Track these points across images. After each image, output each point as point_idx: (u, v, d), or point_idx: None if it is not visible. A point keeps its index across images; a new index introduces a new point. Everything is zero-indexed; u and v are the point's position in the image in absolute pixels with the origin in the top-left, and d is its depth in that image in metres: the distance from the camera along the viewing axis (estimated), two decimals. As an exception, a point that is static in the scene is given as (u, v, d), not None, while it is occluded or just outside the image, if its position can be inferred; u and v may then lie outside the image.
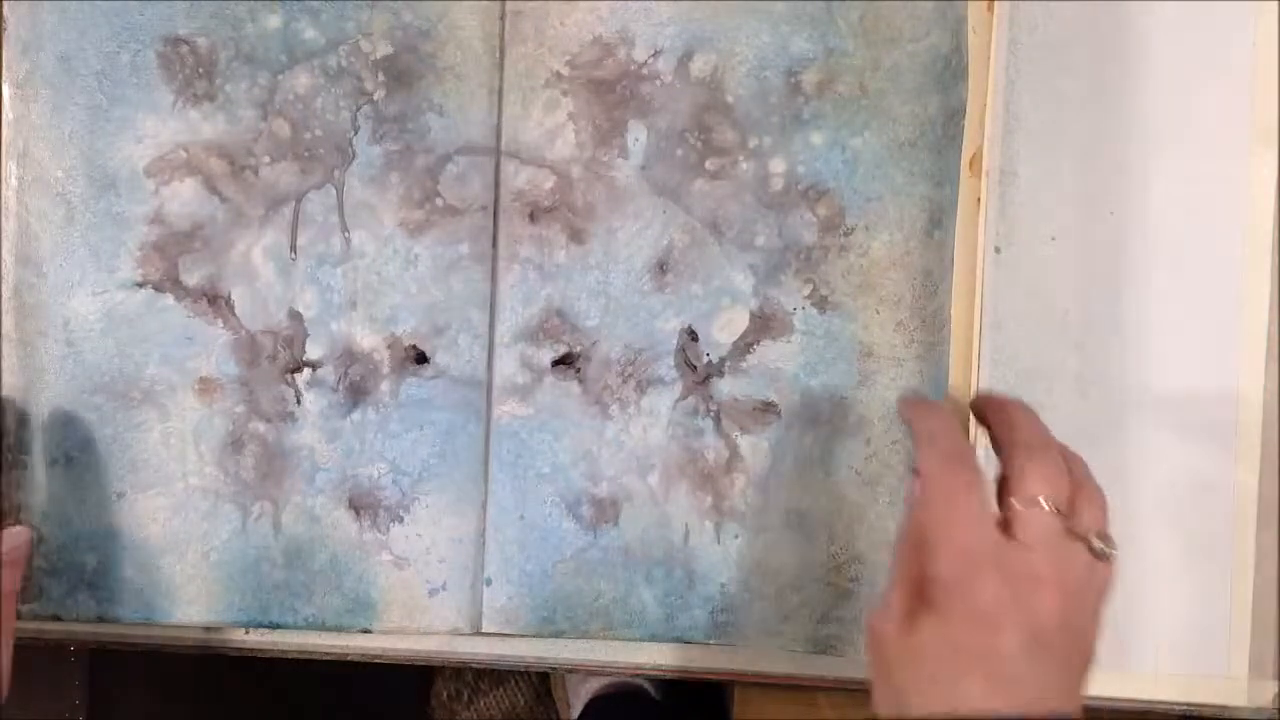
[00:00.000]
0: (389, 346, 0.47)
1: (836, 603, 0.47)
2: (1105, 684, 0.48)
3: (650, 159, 0.46)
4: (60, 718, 0.69)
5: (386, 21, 0.46)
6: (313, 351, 0.47)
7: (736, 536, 0.47)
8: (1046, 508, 0.38)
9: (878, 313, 0.46)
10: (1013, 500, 0.39)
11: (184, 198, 0.46)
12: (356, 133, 0.46)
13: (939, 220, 0.46)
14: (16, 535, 0.45)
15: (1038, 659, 0.36)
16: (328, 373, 0.47)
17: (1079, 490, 0.40)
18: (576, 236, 0.47)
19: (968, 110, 0.45)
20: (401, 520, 0.47)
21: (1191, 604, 0.48)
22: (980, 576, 0.37)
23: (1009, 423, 0.41)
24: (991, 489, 0.40)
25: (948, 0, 0.46)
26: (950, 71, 0.46)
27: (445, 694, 0.94)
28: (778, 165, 0.46)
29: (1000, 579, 0.37)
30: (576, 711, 0.86)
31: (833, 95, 0.46)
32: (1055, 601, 0.37)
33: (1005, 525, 0.38)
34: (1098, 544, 0.39)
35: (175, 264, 0.46)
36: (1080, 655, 0.38)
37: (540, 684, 0.94)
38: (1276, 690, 0.49)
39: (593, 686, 0.86)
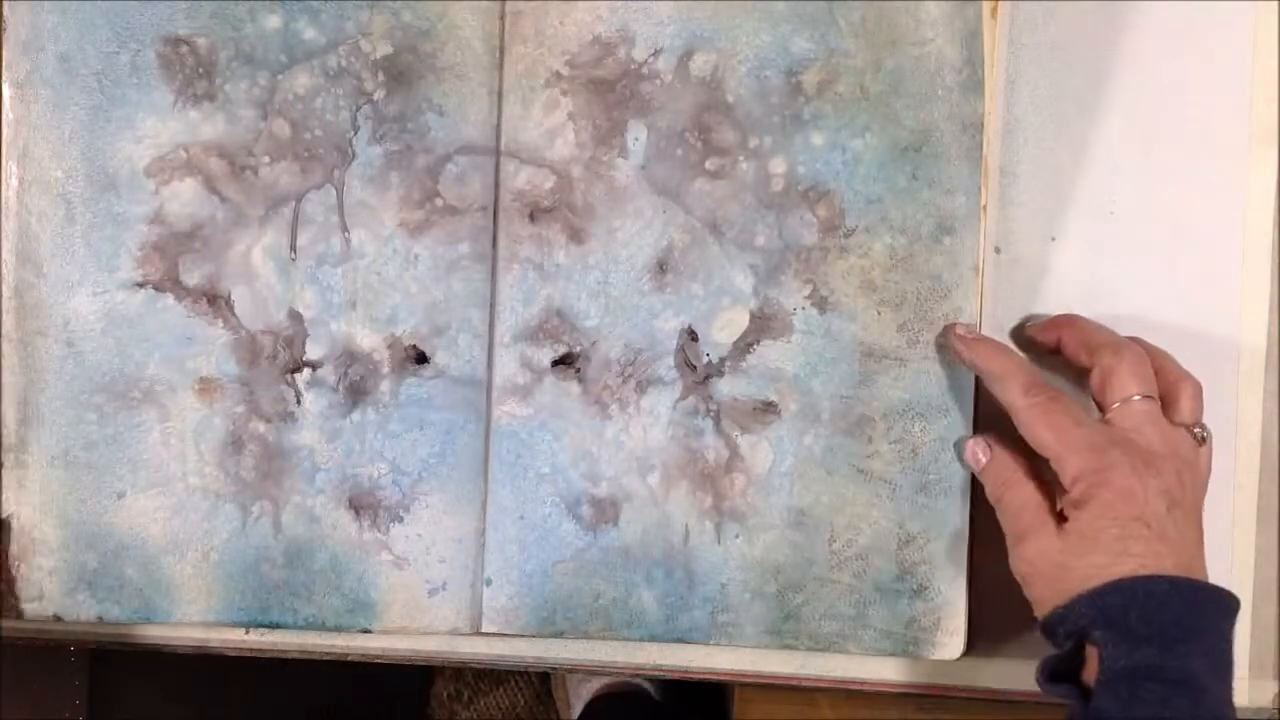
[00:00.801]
0: (389, 346, 0.47)
1: (839, 601, 0.47)
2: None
3: (650, 159, 0.46)
4: (60, 718, 0.69)
5: (386, 21, 0.46)
6: (313, 351, 0.47)
7: (737, 536, 0.47)
8: (1140, 398, 0.42)
9: (879, 314, 0.46)
10: (1111, 401, 0.42)
11: (184, 198, 0.46)
12: (356, 133, 0.46)
13: (950, 227, 0.46)
14: None
15: (1179, 523, 0.40)
16: (328, 373, 0.47)
17: (1172, 383, 0.43)
18: (576, 236, 0.47)
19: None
20: (401, 520, 0.47)
21: (1192, 604, 0.48)
22: (1111, 459, 0.40)
23: (1081, 333, 0.45)
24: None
25: (955, 2, 0.46)
26: (961, 83, 0.46)
27: (445, 694, 0.94)
28: (778, 165, 0.46)
29: (1127, 458, 0.40)
30: (577, 712, 0.86)
31: (833, 96, 0.46)
32: (1175, 468, 0.41)
33: (1109, 424, 0.42)
34: (1199, 431, 0.43)
35: (175, 264, 0.46)
36: (1201, 529, 0.42)
37: (540, 684, 0.94)
38: (1277, 690, 0.49)
39: (593, 687, 0.86)
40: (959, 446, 0.46)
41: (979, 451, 0.45)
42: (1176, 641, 0.38)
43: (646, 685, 0.85)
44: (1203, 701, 0.38)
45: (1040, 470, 0.43)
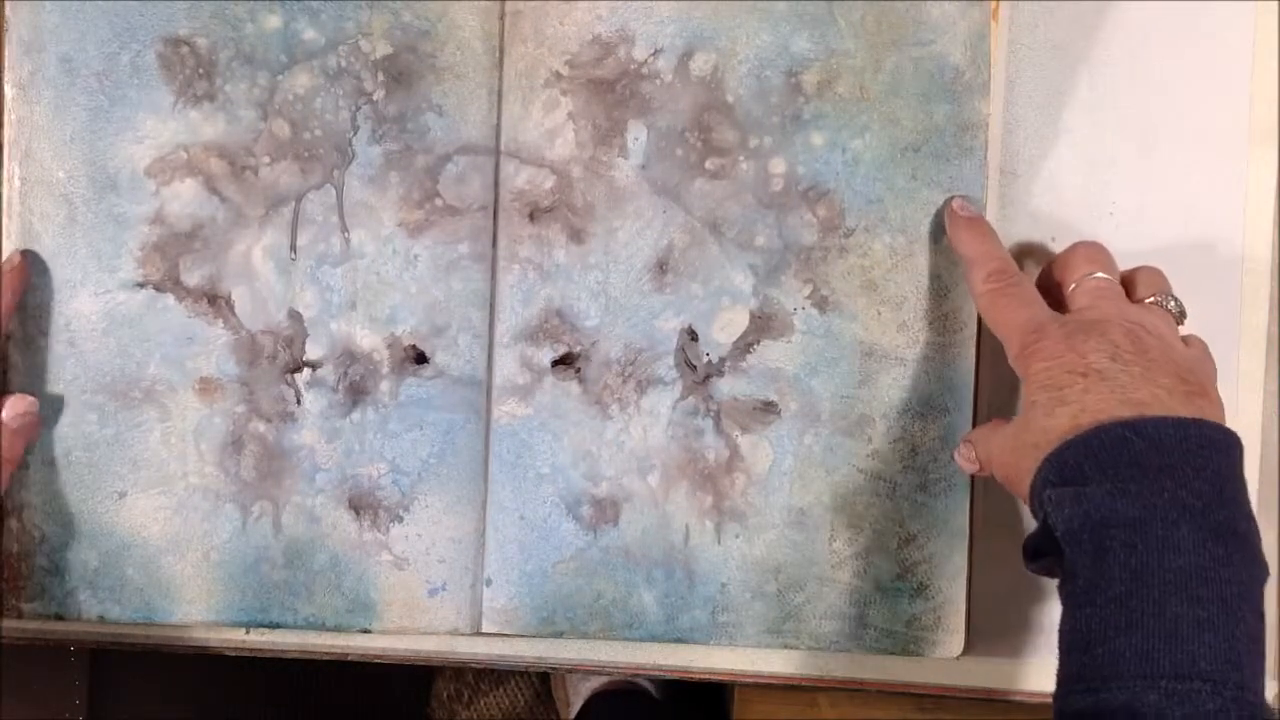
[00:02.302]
0: (389, 346, 0.47)
1: (839, 600, 0.47)
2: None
3: (650, 159, 0.46)
4: (60, 718, 0.69)
5: (386, 21, 0.46)
6: (313, 351, 0.47)
7: (737, 536, 0.47)
8: (1098, 276, 0.42)
9: (879, 313, 0.46)
10: (1066, 284, 0.42)
11: (184, 198, 0.46)
12: (356, 133, 0.46)
13: None
14: (22, 402, 0.44)
15: (1132, 369, 0.38)
16: (328, 373, 0.47)
17: (1129, 273, 0.43)
18: (576, 236, 0.47)
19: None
20: (401, 520, 0.47)
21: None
22: (1046, 331, 0.40)
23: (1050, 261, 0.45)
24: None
25: (958, 4, 0.46)
26: (964, 84, 0.46)
27: (445, 694, 0.94)
28: (778, 165, 0.46)
29: (1064, 328, 0.39)
30: (575, 710, 0.86)
31: (833, 96, 0.46)
32: (1123, 330, 0.39)
33: (1065, 308, 0.42)
34: (1171, 303, 0.42)
35: (176, 264, 0.46)
36: (1180, 376, 0.38)
37: (540, 684, 0.94)
38: (1277, 690, 0.49)
39: (593, 685, 0.86)
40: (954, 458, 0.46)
41: (964, 451, 0.45)
42: (1131, 481, 0.35)
43: (646, 684, 0.85)
44: (1173, 536, 0.34)
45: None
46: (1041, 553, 0.39)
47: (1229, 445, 0.37)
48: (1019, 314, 0.41)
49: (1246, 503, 0.37)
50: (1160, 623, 0.34)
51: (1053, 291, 0.44)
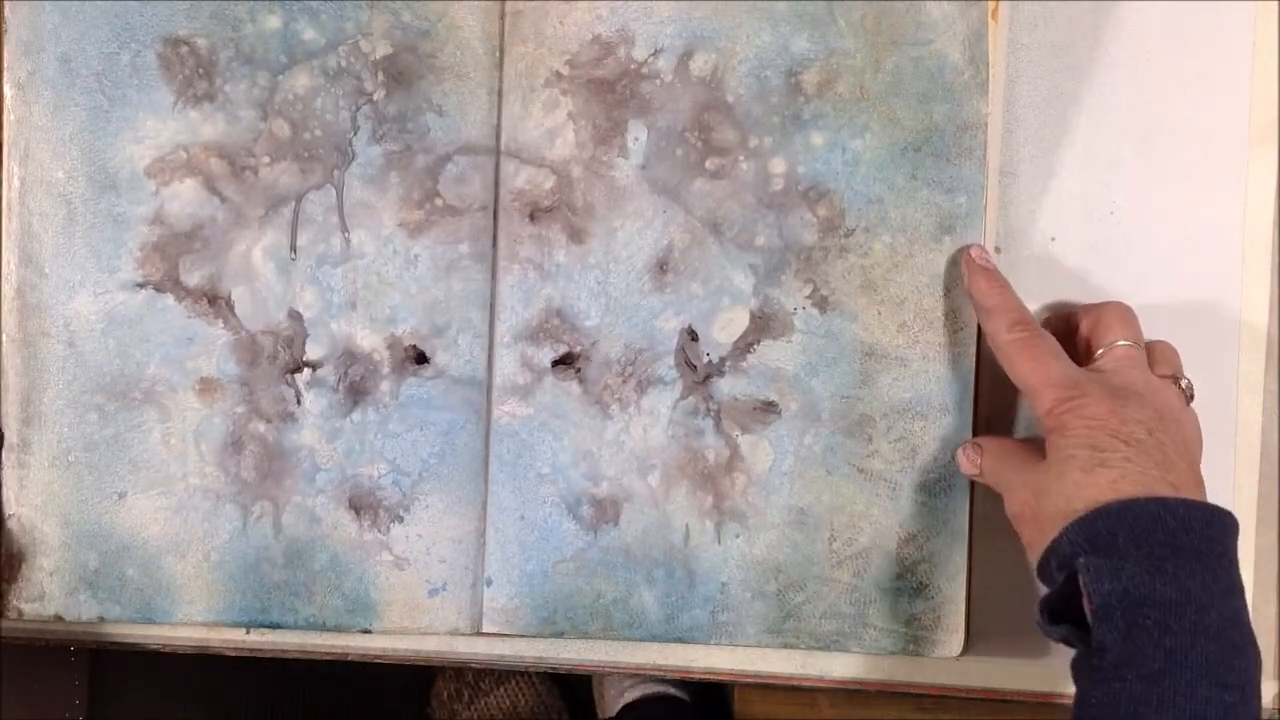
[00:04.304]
0: (389, 346, 0.47)
1: (839, 600, 0.47)
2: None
3: (650, 158, 0.46)
4: (60, 718, 0.69)
5: (386, 21, 0.46)
6: (313, 351, 0.47)
7: (737, 536, 0.47)
8: (1126, 344, 0.42)
9: (879, 313, 0.46)
10: (1095, 347, 0.43)
11: (184, 198, 0.46)
12: (356, 133, 0.46)
13: (950, 227, 0.46)
14: None
15: (1166, 449, 0.39)
16: (328, 373, 0.47)
17: (1151, 343, 0.44)
18: (576, 236, 0.47)
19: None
20: (402, 520, 0.47)
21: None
22: (1088, 390, 0.40)
23: (1068, 310, 0.46)
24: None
25: (957, 3, 0.46)
26: (964, 83, 0.46)
27: (445, 694, 0.94)
28: (778, 165, 0.46)
29: (1106, 390, 0.40)
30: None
31: (833, 96, 0.46)
32: (1154, 409, 0.40)
33: (1095, 368, 0.42)
34: (1185, 382, 0.43)
35: (175, 264, 0.46)
36: (1198, 470, 0.40)
37: (541, 684, 0.94)
38: (1277, 690, 0.49)
39: (629, 698, 0.85)
40: (955, 456, 0.46)
41: (970, 453, 0.45)
42: (1167, 560, 0.36)
43: (681, 694, 0.85)
44: (1205, 620, 0.36)
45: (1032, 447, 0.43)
46: (1059, 616, 0.39)
47: (1235, 531, 0.39)
48: (1052, 367, 0.41)
49: (1243, 586, 0.38)
50: (1192, 704, 0.35)
51: (1071, 342, 0.44)
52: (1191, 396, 0.43)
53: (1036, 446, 0.42)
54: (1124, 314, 0.44)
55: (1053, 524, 0.39)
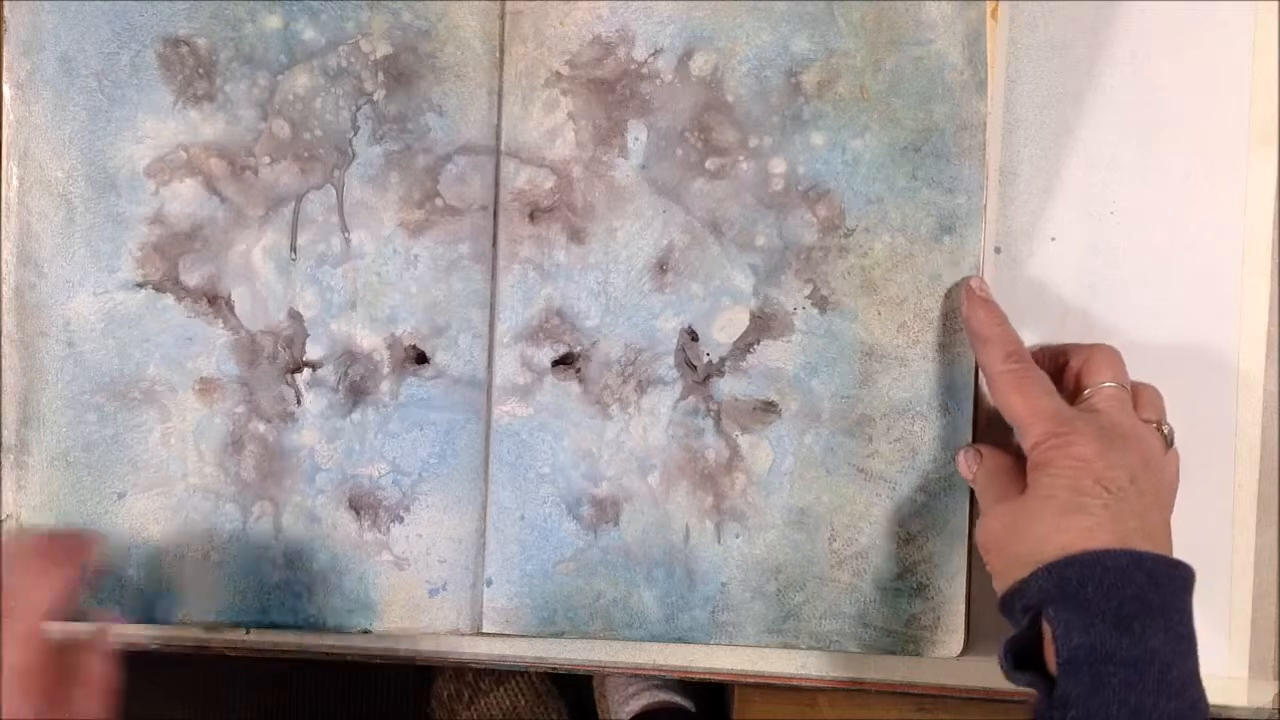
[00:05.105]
0: (389, 346, 0.47)
1: (839, 600, 0.47)
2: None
3: (650, 158, 0.46)
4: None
5: (386, 21, 0.46)
6: (313, 351, 0.47)
7: (737, 536, 0.47)
8: (1113, 385, 0.42)
9: (879, 313, 0.46)
10: (1083, 387, 0.43)
11: (184, 198, 0.46)
12: (356, 133, 0.46)
13: (950, 226, 0.46)
14: (104, 629, 0.41)
15: (1145, 497, 0.39)
16: (328, 373, 0.47)
17: (1136, 386, 0.44)
18: (576, 236, 0.47)
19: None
20: (402, 520, 0.47)
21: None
22: (1076, 428, 0.40)
23: (1056, 345, 0.46)
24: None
25: (956, 3, 0.46)
26: (963, 83, 0.46)
27: (445, 694, 0.94)
28: (778, 165, 0.46)
29: (1094, 430, 0.40)
30: None
31: (833, 96, 0.46)
32: (1139, 452, 0.40)
33: (1083, 408, 0.42)
34: (1166, 429, 0.43)
35: (175, 264, 0.46)
36: (1169, 517, 0.41)
37: (541, 684, 0.94)
38: (1276, 690, 0.49)
39: (633, 708, 0.85)
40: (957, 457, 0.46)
41: (970, 459, 0.45)
42: (1135, 618, 0.37)
43: (686, 703, 0.85)
44: (1167, 678, 0.37)
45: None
46: (1021, 657, 0.39)
47: (1193, 583, 0.39)
48: (1042, 402, 0.41)
49: (1196, 641, 0.39)
50: None
51: (1059, 380, 0.44)
52: (1171, 441, 0.43)
53: (1024, 472, 0.42)
54: (1112, 357, 0.44)
55: (1022, 563, 0.39)
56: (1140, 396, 0.44)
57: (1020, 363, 0.43)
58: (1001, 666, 0.40)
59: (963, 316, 0.45)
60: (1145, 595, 0.37)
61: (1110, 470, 0.39)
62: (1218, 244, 0.48)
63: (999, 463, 0.44)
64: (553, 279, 0.47)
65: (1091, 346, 0.44)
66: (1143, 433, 0.42)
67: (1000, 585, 0.41)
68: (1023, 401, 0.42)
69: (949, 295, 0.46)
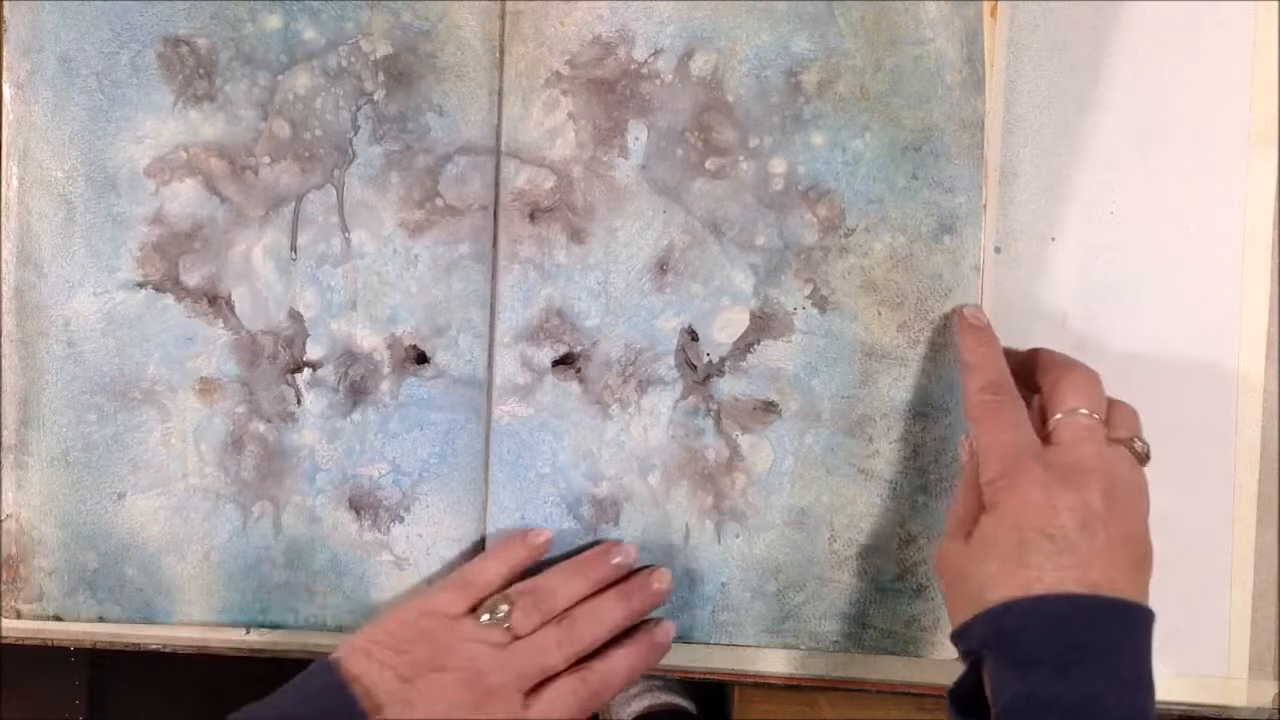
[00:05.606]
0: (389, 346, 0.47)
1: (839, 600, 0.47)
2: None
3: (650, 159, 0.46)
4: (60, 718, 0.69)
5: (386, 21, 0.46)
6: (313, 351, 0.47)
7: (737, 536, 0.47)
8: (1084, 413, 0.41)
9: (879, 313, 0.46)
10: (1052, 413, 0.42)
11: (184, 198, 0.46)
12: (356, 133, 0.46)
13: (950, 226, 0.46)
14: (664, 631, 0.46)
15: (1097, 540, 0.38)
16: (328, 373, 0.47)
17: (1111, 404, 0.42)
18: (576, 236, 0.47)
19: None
20: (402, 520, 0.47)
21: (1191, 604, 0.48)
22: (1026, 469, 0.39)
23: (1037, 357, 0.44)
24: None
25: (954, 2, 0.46)
26: (961, 81, 0.46)
27: (445, 694, 0.93)
28: (778, 165, 0.46)
29: (1045, 471, 0.39)
30: None
31: (833, 96, 0.46)
32: (1102, 488, 0.39)
33: (1047, 438, 0.41)
34: (1139, 445, 0.42)
35: (175, 264, 0.46)
36: (1137, 550, 0.39)
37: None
38: (1276, 690, 0.49)
39: (634, 709, 0.85)
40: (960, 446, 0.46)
41: (968, 449, 0.45)
42: (1074, 664, 0.37)
43: (688, 704, 0.84)
44: None
45: None
46: (969, 706, 0.39)
47: (1149, 624, 0.39)
48: (1004, 437, 0.41)
49: (1153, 678, 0.38)
50: None
51: (1037, 408, 0.43)
52: (1147, 456, 0.42)
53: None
54: (1082, 380, 0.42)
55: (966, 603, 0.39)
56: (1113, 415, 0.42)
57: (996, 394, 0.42)
58: (948, 709, 0.40)
59: (958, 342, 0.45)
60: (1085, 639, 0.37)
61: (1056, 516, 0.38)
62: (1218, 244, 0.48)
63: (976, 469, 0.43)
64: (553, 279, 0.47)
65: (1063, 368, 0.43)
66: (1109, 461, 0.40)
67: (951, 617, 0.41)
68: (986, 434, 0.41)
69: (949, 295, 0.46)
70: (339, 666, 0.41)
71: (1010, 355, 0.45)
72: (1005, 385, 0.42)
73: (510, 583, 0.45)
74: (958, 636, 0.40)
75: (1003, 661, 0.37)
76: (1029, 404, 0.43)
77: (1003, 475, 0.40)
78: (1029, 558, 0.38)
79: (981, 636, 0.38)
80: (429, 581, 0.47)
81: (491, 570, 0.44)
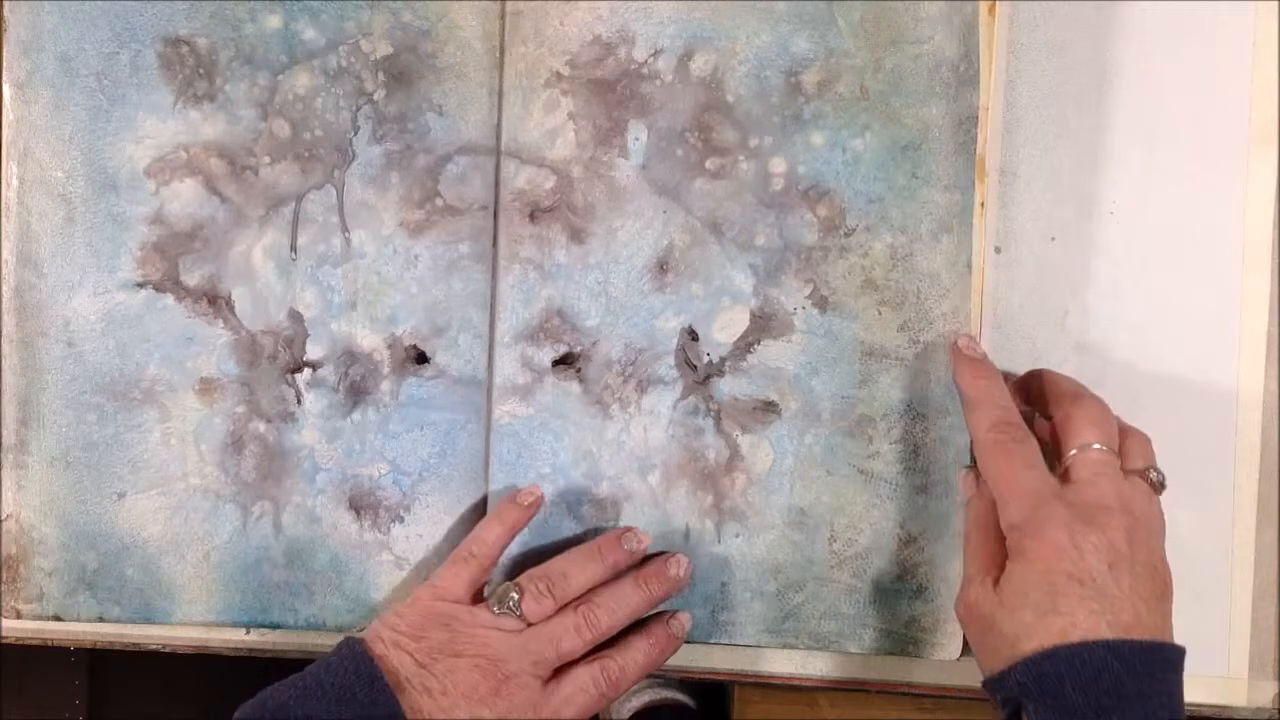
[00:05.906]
0: (389, 346, 0.47)
1: (839, 601, 0.47)
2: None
3: (650, 159, 0.46)
4: (60, 718, 0.69)
5: (386, 21, 0.46)
6: (313, 351, 0.47)
7: (737, 536, 0.47)
8: (1099, 448, 0.41)
9: (879, 313, 0.46)
10: (1068, 449, 0.41)
11: (184, 198, 0.46)
12: (356, 133, 0.46)
13: (949, 225, 0.46)
14: (680, 623, 0.46)
15: (1124, 580, 0.39)
16: (328, 373, 0.47)
17: (1124, 433, 0.43)
18: (577, 236, 0.47)
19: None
20: (402, 520, 0.47)
21: (1191, 604, 0.48)
22: (1049, 513, 0.39)
23: (1044, 383, 0.44)
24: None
25: (952, 2, 0.46)
26: (959, 78, 0.46)
27: (445, 694, 0.93)
28: (778, 165, 0.46)
29: (1068, 511, 0.39)
30: None
31: (833, 95, 0.46)
32: (1124, 525, 0.39)
33: (1065, 475, 0.41)
34: (1154, 475, 0.42)
35: (175, 264, 0.46)
36: (1159, 583, 0.40)
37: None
38: (1276, 690, 0.49)
39: (634, 704, 0.85)
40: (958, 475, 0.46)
41: (968, 483, 0.45)
42: (1113, 710, 0.37)
43: (688, 700, 0.84)
44: None
45: None
46: None
47: (1180, 662, 0.39)
48: (1023, 476, 0.40)
49: (1183, 710, 0.39)
50: None
51: (1049, 440, 0.43)
52: (1163, 485, 0.42)
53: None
54: (1096, 412, 0.42)
55: (999, 653, 0.39)
56: (1127, 446, 0.42)
57: (1006, 431, 0.42)
58: None
59: (953, 377, 0.45)
60: (1122, 685, 0.37)
61: (1084, 560, 0.38)
62: (1217, 244, 0.48)
63: (989, 506, 0.43)
64: (553, 279, 0.47)
65: (1073, 400, 0.43)
66: (1127, 498, 0.40)
67: (980, 664, 0.41)
68: (1002, 475, 0.41)
69: (949, 295, 0.46)
70: (363, 644, 0.41)
71: (1008, 380, 0.45)
72: (1014, 422, 0.42)
73: (507, 546, 0.45)
74: (995, 685, 0.40)
75: (1044, 709, 0.38)
76: (1029, 421, 0.43)
77: (1026, 520, 0.39)
78: (1060, 603, 0.38)
79: (1021, 685, 0.38)
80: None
81: (489, 536, 0.44)
